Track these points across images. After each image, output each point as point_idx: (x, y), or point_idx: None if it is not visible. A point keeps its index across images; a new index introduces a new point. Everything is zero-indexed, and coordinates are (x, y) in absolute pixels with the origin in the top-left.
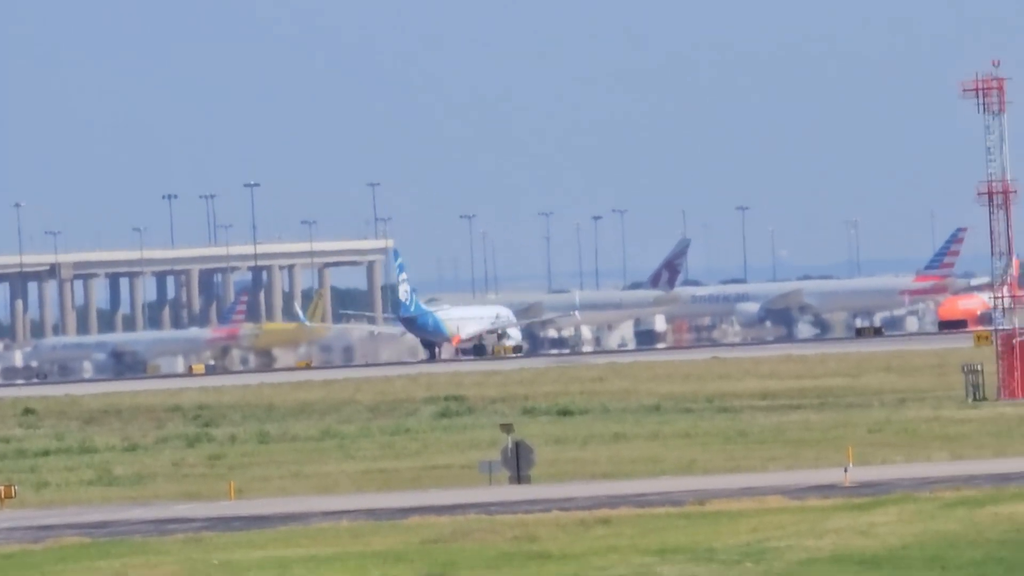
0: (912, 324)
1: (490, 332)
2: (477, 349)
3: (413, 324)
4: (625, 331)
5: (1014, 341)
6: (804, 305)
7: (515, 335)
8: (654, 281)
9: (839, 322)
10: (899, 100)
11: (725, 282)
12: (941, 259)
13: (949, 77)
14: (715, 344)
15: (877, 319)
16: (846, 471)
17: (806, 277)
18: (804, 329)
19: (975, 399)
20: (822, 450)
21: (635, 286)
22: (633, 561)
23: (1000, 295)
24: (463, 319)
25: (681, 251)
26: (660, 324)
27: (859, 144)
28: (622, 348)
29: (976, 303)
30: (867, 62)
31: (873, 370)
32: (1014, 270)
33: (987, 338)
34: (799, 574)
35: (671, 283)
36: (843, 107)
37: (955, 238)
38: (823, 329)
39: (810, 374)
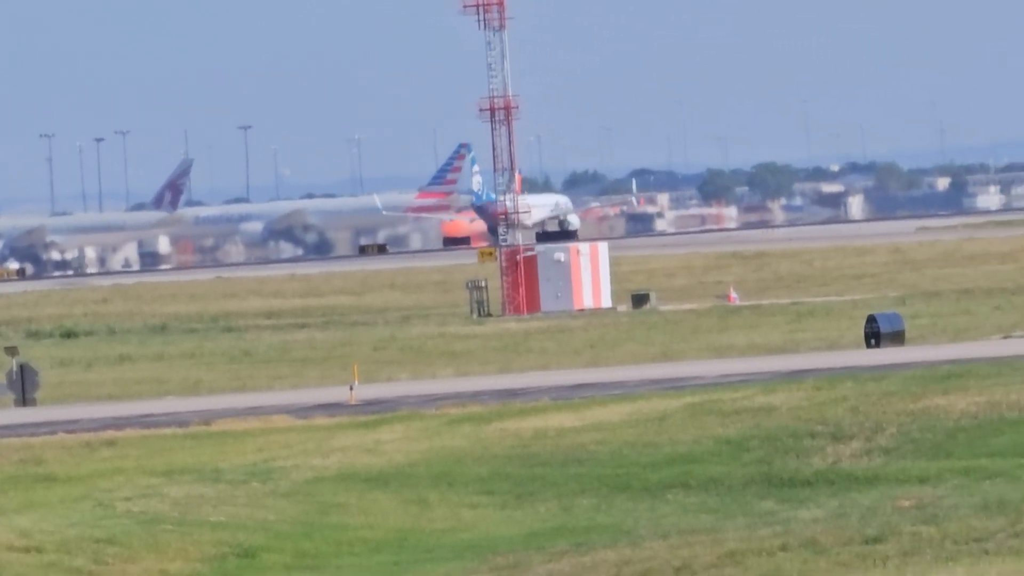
0: (416, 241)
1: (551, 218)
2: (540, 233)
3: (484, 212)
4: (129, 252)
5: (518, 257)
6: (308, 224)
7: (574, 222)
8: (157, 202)
9: (344, 240)
10: (399, 16)
11: (228, 202)
12: (444, 176)
13: None
14: (219, 264)
15: (381, 237)
16: (352, 389)
17: (309, 196)
18: (311, 247)
19: (480, 315)
20: (328, 368)
21: (138, 207)
22: (139, 482)
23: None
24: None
25: (184, 171)
26: (164, 245)
27: (361, 61)
28: (126, 269)
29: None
30: None
31: (378, 288)
32: (517, 185)
33: (491, 254)
34: (306, 493)
35: (174, 204)
36: (339, 24)
37: (458, 154)
38: (327, 247)
39: (315, 292)
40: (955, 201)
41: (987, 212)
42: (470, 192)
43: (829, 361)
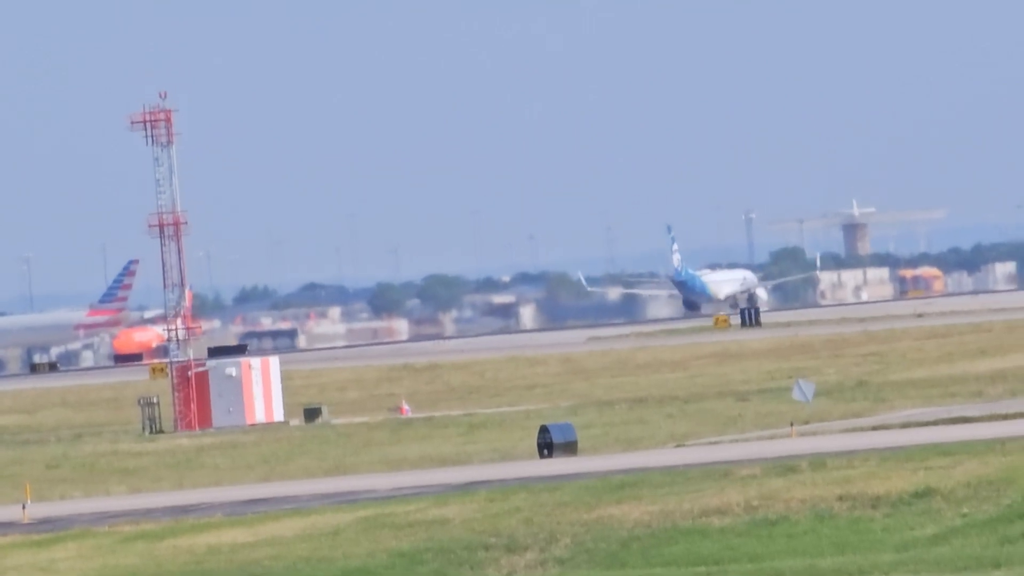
0: (88, 358)
1: (741, 292)
2: (732, 306)
3: (684, 287)
4: None
5: (189, 373)
6: None
7: (762, 295)
8: None
9: (14, 358)
10: (66, 133)
11: None
12: (115, 292)
13: (118, 109)
14: None
15: (53, 354)
16: (24, 508)
17: None
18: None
19: (152, 432)
20: None
21: None
22: None
23: (174, 327)
24: (720, 281)
25: None
26: None
27: (29, 177)
28: None
29: (151, 335)
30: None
31: (49, 406)
32: (187, 301)
33: (163, 370)
34: None
35: None
36: (5, 140)
37: (127, 270)
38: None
39: None
40: (627, 310)
41: (658, 321)
42: (670, 269)
43: (502, 472)
